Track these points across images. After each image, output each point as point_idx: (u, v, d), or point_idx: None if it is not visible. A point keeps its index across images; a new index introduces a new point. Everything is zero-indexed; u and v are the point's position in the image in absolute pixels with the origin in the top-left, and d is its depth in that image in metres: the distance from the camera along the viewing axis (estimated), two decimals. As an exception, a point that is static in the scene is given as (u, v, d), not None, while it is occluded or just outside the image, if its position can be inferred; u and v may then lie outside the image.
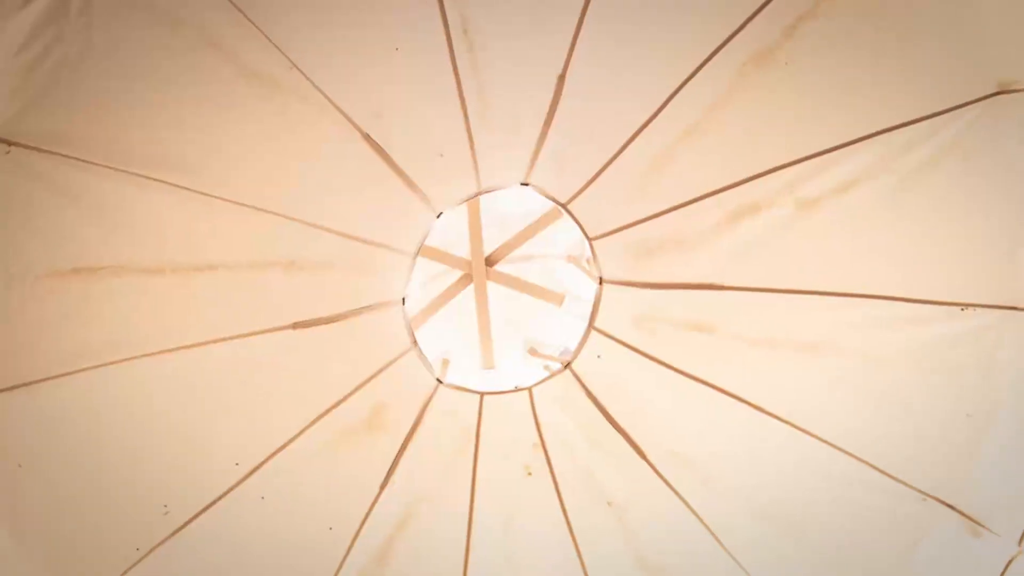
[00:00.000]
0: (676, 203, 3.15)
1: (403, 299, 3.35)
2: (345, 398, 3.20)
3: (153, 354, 2.89)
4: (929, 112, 2.84)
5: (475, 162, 3.13)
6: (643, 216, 3.19)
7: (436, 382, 3.35)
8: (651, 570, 3.41)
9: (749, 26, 2.81)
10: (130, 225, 2.78)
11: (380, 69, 2.83)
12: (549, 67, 2.92)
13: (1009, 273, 2.95)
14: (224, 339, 2.98)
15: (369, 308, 3.24)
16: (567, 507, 3.36)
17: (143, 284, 2.84)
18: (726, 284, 3.21)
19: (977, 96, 2.79)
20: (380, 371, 3.30)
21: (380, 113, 2.93)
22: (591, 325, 3.41)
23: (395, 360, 3.32)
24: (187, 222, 2.84)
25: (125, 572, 2.89)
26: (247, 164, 2.86)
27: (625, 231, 3.26)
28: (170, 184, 2.76)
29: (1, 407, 2.72)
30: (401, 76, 2.86)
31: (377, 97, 2.89)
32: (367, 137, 2.96)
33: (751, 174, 3.03)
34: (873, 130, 2.89)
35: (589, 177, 3.22)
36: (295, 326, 3.07)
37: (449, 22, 2.78)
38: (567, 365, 3.44)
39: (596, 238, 3.33)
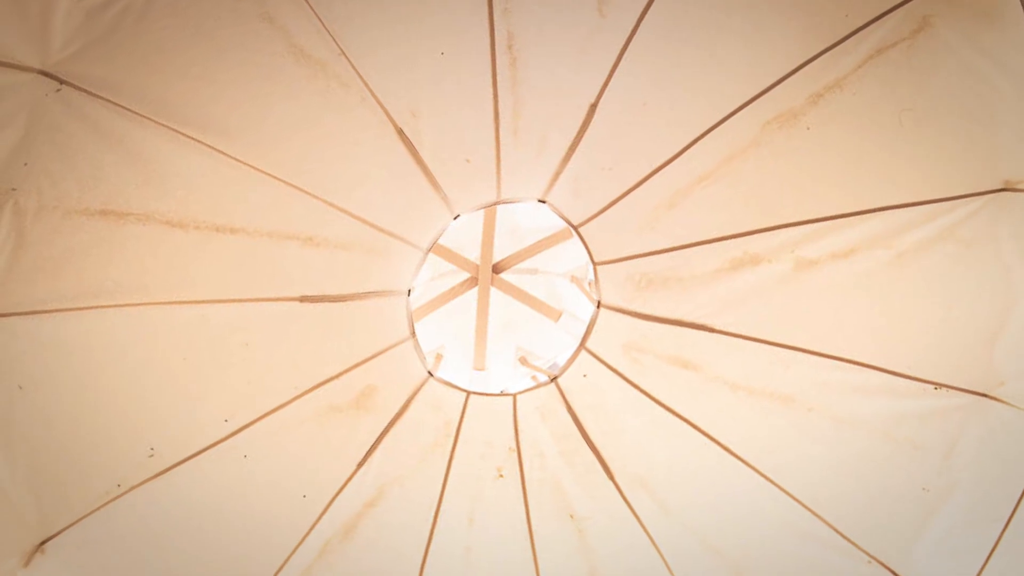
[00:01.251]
0: (682, 243, 3.16)
1: (409, 291, 3.35)
2: (338, 375, 3.20)
3: (163, 303, 2.89)
4: (934, 197, 2.84)
5: (499, 173, 3.14)
6: (649, 250, 3.20)
7: (427, 374, 3.35)
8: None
9: (779, 87, 2.81)
10: (163, 178, 2.78)
11: (423, 70, 2.83)
12: (583, 94, 2.93)
13: (985, 361, 2.95)
14: (233, 300, 2.97)
15: (375, 293, 3.24)
16: (531, 512, 3.36)
17: (165, 235, 2.83)
18: (716, 327, 3.22)
19: (982, 189, 2.79)
20: (376, 355, 3.30)
21: (416, 112, 2.93)
22: (582, 345, 3.41)
23: (392, 347, 3.32)
24: (217, 184, 2.84)
25: (104, 505, 2.89)
26: (283, 139, 2.86)
27: (629, 261, 3.27)
28: (207, 146, 2.76)
29: (12, 329, 2.71)
30: (442, 79, 2.87)
31: (416, 96, 2.89)
32: (400, 132, 2.96)
33: (757, 227, 3.04)
34: (879, 205, 2.89)
35: (603, 205, 3.22)
36: (302, 299, 3.07)
37: (496, 36, 2.78)
38: (554, 379, 3.44)
39: (601, 263, 3.33)
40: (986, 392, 2.97)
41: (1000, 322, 2.91)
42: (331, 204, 3.02)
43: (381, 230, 3.15)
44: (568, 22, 2.79)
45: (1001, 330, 2.92)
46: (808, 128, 2.85)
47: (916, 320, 3.00)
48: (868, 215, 2.92)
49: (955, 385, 3.00)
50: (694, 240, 3.15)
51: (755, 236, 3.05)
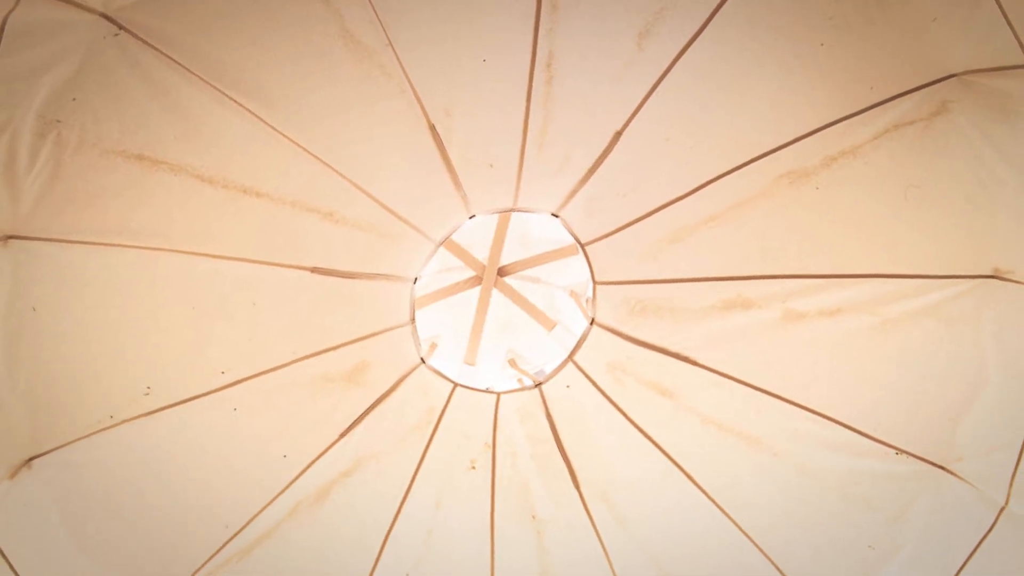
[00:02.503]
0: (681, 276, 3.16)
1: (415, 279, 3.35)
2: (336, 347, 3.20)
3: (182, 252, 2.89)
4: (926, 272, 2.84)
5: (518, 182, 3.14)
6: (648, 278, 3.20)
7: (420, 360, 3.35)
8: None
9: (796, 145, 2.81)
10: (201, 134, 2.78)
11: (463, 73, 2.84)
12: (611, 121, 2.93)
13: (948, 435, 2.95)
14: (248, 260, 2.98)
15: (384, 276, 3.24)
16: (496, 507, 3.36)
17: (195, 189, 2.84)
18: (699, 361, 3.22)
19: (972, 273, 2.79)
20: (375, 334, 3.30)
21: (450, 111, 2.94)
22: (570, 357, 3.41)
23: (391, 329, 3.32)
24: (251, 148, 2.85)
25: (95, 433, 2.89)
26: (321, 116, 2.86)
27: (628, 285, 3.27)
28: (249, 111, 2.77)
29: (35, 253, 2.72)
30: (479, 85, 2.87)
31: (452, 96, 2.90)
32: (433, 128, 2.96)
33: (753, 273, 3.04)
34: (872, 271, 2.90)
35: (612, 228, 3.22)
36: (314, 270, 3.07)
37: (538, 52, 2.79)
38: (538, 384, 3.44)
39: (601, 283, 3.34)
40: (944, 465, 2.97)
41: (967, 401, 2.91)
42: (356, 185, 3.03)
43: (399, 217, 3.15)
44: (607, 51, 2.79)
45: (966, 409, 2.92)
46: (817, 188, 2.85)
47: (889, 385, 3.00)
48: (861, 279, 2.92)
49: (916, 453, 3.00)
50: (693, 276, 3.16)
51: (751, 281, 3.05)
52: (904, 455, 3.02)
